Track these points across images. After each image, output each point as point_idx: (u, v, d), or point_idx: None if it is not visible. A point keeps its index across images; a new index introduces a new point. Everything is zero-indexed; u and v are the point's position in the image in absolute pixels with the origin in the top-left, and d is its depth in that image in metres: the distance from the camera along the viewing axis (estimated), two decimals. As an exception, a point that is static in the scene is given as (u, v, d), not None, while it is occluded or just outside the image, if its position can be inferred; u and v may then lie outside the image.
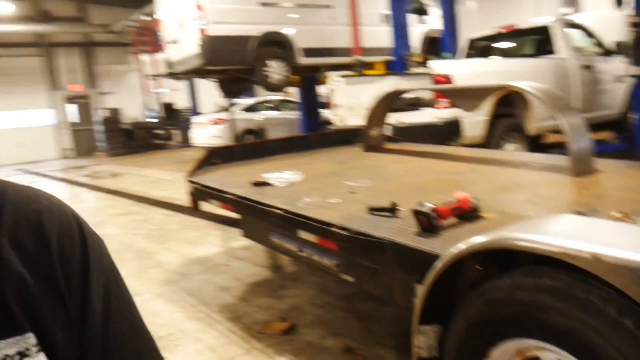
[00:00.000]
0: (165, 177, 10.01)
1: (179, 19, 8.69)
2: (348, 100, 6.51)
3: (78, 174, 12.24)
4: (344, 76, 6.98)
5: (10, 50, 17.66)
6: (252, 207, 2.73)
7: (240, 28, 8.34)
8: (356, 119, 5.75)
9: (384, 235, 1.89)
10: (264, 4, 8.72)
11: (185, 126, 15.44)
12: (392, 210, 2.14)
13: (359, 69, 8.39)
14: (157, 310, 3.31)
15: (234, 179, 3.34)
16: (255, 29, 8.46)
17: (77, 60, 19.34)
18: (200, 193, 3.41)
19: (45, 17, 17.80)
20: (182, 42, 8.69)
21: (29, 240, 0.53)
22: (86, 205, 8.23)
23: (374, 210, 2.19)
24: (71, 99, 19.22)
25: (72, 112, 19.22)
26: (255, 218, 2.90)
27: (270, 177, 3.12)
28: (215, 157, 3.91)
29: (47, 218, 0.56)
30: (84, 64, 19.53)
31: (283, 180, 3.07)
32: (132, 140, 17.14)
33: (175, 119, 17.34)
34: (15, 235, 0.53)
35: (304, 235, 2.35)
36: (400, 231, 1.91)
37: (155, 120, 17.80)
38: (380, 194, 2.51)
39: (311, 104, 10.74)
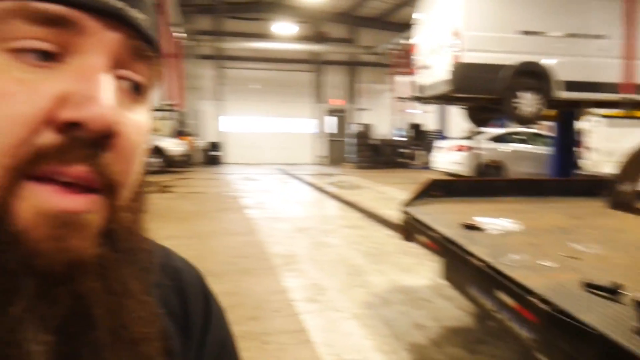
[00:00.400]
0: (398, 196, 10.21)
1: (433, 44, 8.78)
2: (606, 144, 5.70)
3: (325, 181, 13.31)
4: (605, 116, 6.13)
5: (289, 65, 20.46)
6: (454, 250, 2.55)
7: (495, 56, 8.01)
8: (612, 167, 4.98)
9: (594, 323, 1.54)
10: (526, 33, 8.22)
11: (430, 148, 15.58)
12: (613, 292, 1.75)
13: (627, 109, 7.28)
14: (349, 331, 3.34)
15: (446, 216, 3.19)
16: (510, 58, 8.04)
17: (341, 77, 21.24)
18: (411, 225, 3.34)
19: (321, 37, 19.98)
20: (434, 68, 8.74)
21: (173, 296, 0.53)
22: (321, 212, 8.88)
23: (590, 286, 1.82)
24: (331, 112, 21.19)
25: (331, 123, 21.16)
26: (456, 261, 2.71)
27: (484, 221, 2.88)
28: (435, 189, 3.80)
29: (185, 275, 0.56)
30: (347, 81, 21.33)
31: (497, 228, 2.81)
32: (378, 155, 17.99)
33: (421, 140, 17.64)
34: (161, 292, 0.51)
35: (501, 295, 2.09)
36: (617, 322, 1.54)
37: (403, 139, 18.38)
38: (609, 267, 2.09)
39: (566, 142, 9.72)
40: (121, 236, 0.40)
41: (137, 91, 0.40)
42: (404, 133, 18.51)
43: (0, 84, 0.34)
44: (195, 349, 0.53)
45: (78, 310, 0.37)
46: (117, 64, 0.38)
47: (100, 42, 0.37)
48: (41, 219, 0.34)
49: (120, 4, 0.37)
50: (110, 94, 0.36)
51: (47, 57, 0.35)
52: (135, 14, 0.38)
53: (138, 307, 0.41)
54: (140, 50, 0.40)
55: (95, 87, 0.35)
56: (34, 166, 0.34)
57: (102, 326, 0.39)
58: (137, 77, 0.40)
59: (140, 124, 0.40)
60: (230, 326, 0.60)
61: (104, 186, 0.37)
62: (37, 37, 0.35)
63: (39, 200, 0.34)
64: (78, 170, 0.35)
